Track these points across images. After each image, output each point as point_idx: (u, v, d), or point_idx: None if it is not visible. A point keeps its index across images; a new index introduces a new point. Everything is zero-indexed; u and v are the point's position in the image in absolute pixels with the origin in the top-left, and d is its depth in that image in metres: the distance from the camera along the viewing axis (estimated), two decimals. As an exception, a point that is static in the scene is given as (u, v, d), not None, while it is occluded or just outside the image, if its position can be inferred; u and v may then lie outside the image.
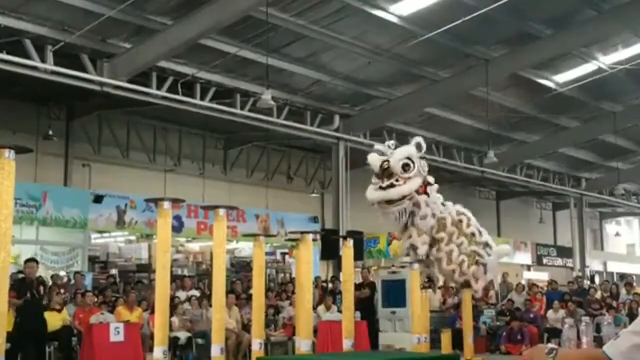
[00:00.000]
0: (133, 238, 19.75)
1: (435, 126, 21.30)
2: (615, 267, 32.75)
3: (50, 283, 13.62)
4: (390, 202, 9.68)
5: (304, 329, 8.89)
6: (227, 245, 9.11)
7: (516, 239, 27.38)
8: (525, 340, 15.13)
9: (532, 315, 16.60)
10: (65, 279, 15.65)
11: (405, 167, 9.65)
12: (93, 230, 17.84)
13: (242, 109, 17.14)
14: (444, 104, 19.89)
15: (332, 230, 18.53)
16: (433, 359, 10.57)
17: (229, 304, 12.62)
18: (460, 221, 10.42)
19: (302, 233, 9.30)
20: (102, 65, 14.53)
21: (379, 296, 14.81)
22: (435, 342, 12.01)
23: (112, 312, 12.89)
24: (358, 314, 12.42)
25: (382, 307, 14.53)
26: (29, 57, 13.54)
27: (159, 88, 15.54)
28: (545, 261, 29.04)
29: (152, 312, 10.40)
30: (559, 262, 29.58)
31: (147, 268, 18.51)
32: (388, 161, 9.66)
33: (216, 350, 7.59)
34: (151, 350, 8.45)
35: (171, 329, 11.05)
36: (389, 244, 21.46)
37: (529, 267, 28.47)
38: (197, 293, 15.10)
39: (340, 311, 12.40)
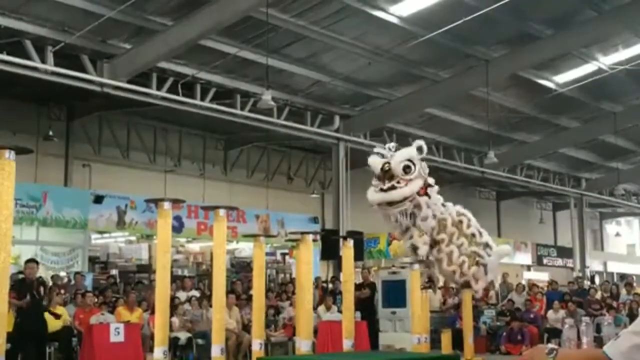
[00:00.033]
0: (133, 238, 19.74)
1: (435, 126, 21.31)
2: (615, 267, 32.76)
3: (50, 283, 13.63)
4: (391, 203, 9.69)
5: (304, 329, 8.90)
6: (227, 246, 9.12)
7: (516, 239, 27.39)
8: (525, 340, 15.13)
9: (532, 315, 16.60)
10: (65, 279, 15.65)
11: (406, 169, 9.66)
12: (93, 230, 17.84)
13: (242, 109, 17.14)
14: (444, 104, 19.89)
15: (332, 230, 18.53)
16: (433, 358, 10.58)
17: (229, 304, 12.62)
18: (460, 222, 10.44)
19: (302, 233, 9.31)
20: (102, 66, 14.54)
21: (379, 296, 14.80)
22: (435, 342, 12.02)
23: (112, 312, 12.89)
24: (358, 314, 12.43)
25: (382, 307, 14.53)
26: (29, 58, 13.54)
27: (159, 88, 15.54)
28: (545, 261, 29.05)
29: (152, 312, 10.40)
30: (559, 262, 29.59)
31: (147, 268, 18.50)
32: (389, 163, 9.67)
33: (216, 350, 7.60)
34: (151, 350, 8.46)
35: (171, 329, 11.05)
36: (389, 244, 21.42)
37: (529, 267, 28.48)
38: (197, 293, 15.10)
39: (340, 311, 12.40)
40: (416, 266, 10.34)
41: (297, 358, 9.78)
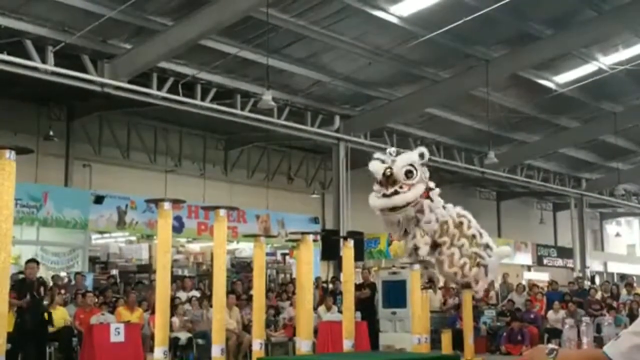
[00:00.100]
0: (133, 238, 19.75)
1: (435, 126, 21.32)
2: (615, 268, 32.75)
3: (51, 283, 13.63)
4: (394, 209, 9.68)
5: (304, 329, 8.89)
6: (227, 246, 9.12)
7: (516, 239, 27.38)
8: (526, 340, 15.13)
9: (532, 316, 16.60)
10: (66, 280, 15.66)
11: (408, 174, 9.64)
12: (93, 230, 17.84)
13: (243, 109, 17.14)
14: (444, 104, 19.89)
15: (332, 230, 18.53)
16: (433, 359, 10.57)
17: (229, 304, 12.62)
18: (461, 223, 10.45)
19: (303, 233, 9.29)
20: (102, 66, 14.54)
21: (379, 296, 14.80)
22: (435, 342, 12.02)
23: (112, 312, 12.89)
24: (358, 314, 12.42)
25: (382, 307, 14.53)
26: (29, 58, 13.54)
27: (159, 88, 15.55)
28: (545, 261, 29.05)
29: (153, 313, 10.40)
30: (559, 262, 29.59)
31: (147, 268, 18.51)
32: (390, 168, 9.65)
33: (216, 350, 7.59)
34: (151, 350, 8.45)
35: (171, 329, 11.05)
36: (389, 244, 21.43)
37: (529, 268, 28.48)
38: (197, 293, 15.10)
39: (340, 311, 12.40)
40: (416, 266, 10.34)
41: (297, 358, 9.77)
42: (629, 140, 24.14)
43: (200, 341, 12.98)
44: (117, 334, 11.22)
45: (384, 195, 9.63)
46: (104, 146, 19.04)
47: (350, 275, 10.04)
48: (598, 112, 21.75)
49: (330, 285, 17.01)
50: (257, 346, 8.79)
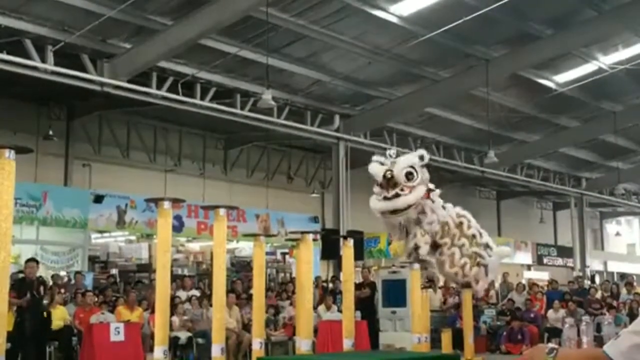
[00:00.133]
0: (133, 238, 19.75)
1: (435, 126, 21.31)
2: (615, 267, 32.77)
3: (51, 283, 13.63)
4: (395, 211, 9.65)
5: (304, 328, 8.89)
6: (227, 245, 9.11)
7: (516, 238, 27.39)
8: (526, 339, 15.14)
9: (532, 315, 16.60)
10: (66, 279, 15.65)
11: (409, 176, 9.61)
12: (93, 229, 17.84)
13: (242, 108, 17.14)
14: (444, 104, 19.89)
15: (332, 229, 18.54)
16: (433, 358, 10.56)
17: (229, 303, 12.63)
18: (461, 223, 10.45)
19: (302, 233, 9.29)
20: (102, 65, 14.54)
21: (379, 296, 14.81)
22: (435, 341, 12.01)
23: (112, 311, 12.89)
24: (358, 313, 12.42)
25: (382, 306, 14.53)
26: (29, 57, 13.54)
27: (159, 88, 15.54)
28: (545, 261, 29.05)
29: (152, 312, 10.40)
30: (559, 261, 29.59)
31: (147, 268, 18.50)
32: (391, 170, 9.63)
33: (216, 349, 7.58)
34: (151, 349, 8.45)
35: (171, 329, 11.05)
36: (389, 243, 21.39)
37: (529, 267, 28.49)
38: (197, 292, 15.10)
39: (340, 311, 12.40)
40: (416, 266, 10.34)
41: (297, 358, 9.78)
42: (629, 140, 24.14)
43: (200, 340, 12.97)
44: (117, 334, 11.23)
45: (385, 198, 9.60)
46: (103, 145, 19.03)
47: (350, 275, 10.03)
48: (598, 112, 21.75)
49: (330, 285, 17.01)
50: (257, 345, 8.78)
